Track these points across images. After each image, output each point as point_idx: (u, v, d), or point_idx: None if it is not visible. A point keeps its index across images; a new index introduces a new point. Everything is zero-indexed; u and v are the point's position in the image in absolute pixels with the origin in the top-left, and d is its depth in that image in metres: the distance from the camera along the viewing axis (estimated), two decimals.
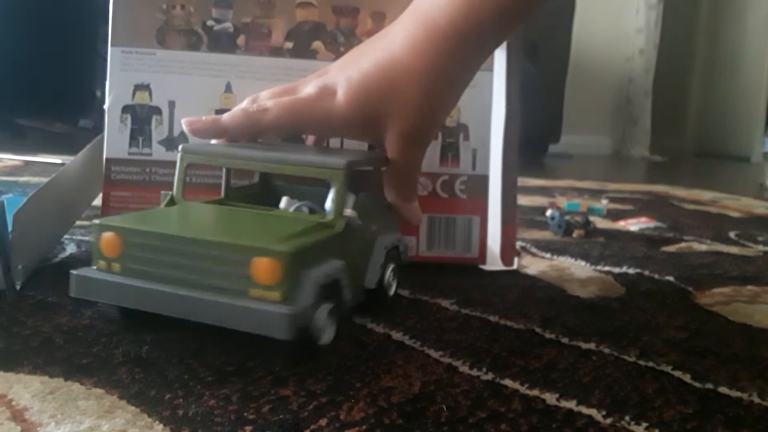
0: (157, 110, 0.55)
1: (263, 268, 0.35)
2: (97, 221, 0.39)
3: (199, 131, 0.47)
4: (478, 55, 0.47)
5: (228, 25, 0.56)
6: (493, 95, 0.59)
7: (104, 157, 0.56)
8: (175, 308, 0.37)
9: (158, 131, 0.56)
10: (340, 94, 0.45)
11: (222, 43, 0.56)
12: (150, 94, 0.55)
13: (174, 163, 0.45)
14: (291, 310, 0.35)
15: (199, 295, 0.36)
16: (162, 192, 0.45)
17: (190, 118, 0.47)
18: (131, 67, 0.55)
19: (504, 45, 0.57)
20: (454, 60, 0.45)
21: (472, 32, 0.44)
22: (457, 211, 0.60)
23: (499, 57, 0.59)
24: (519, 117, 0.59)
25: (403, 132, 0.45)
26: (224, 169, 0.48)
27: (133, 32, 0.55)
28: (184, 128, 0.47)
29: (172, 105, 0.55)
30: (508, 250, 0.61)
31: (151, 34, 0.55)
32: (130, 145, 0.56)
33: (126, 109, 0.55)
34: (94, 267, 0.39)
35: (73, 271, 0.39)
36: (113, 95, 0.55)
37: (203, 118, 0.47)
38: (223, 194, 0.48)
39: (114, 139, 0.56)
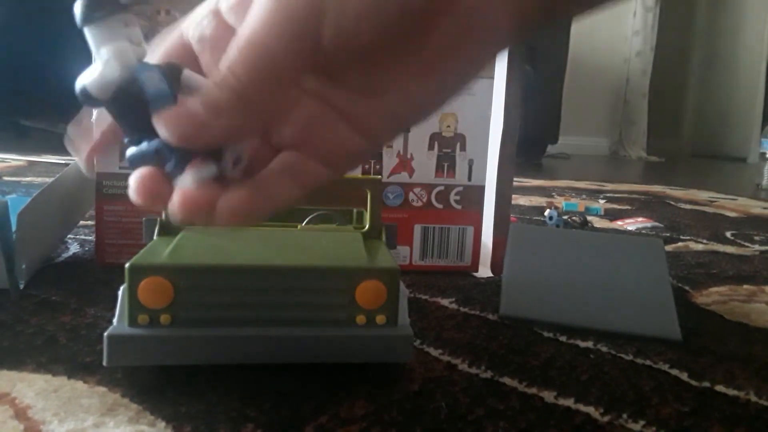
0: None
1: (371, 291, 0.33)
2: (127, 264, 0.31)
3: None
4: None
5: None
6: (492, 104, 0.58)
7: (95, 171, 0.54)
8: (261, 353, 0.33)
9: None
10: None
11: None
12: None
13: None
14: (409, 330, 0.34)
15: (299, 332, 0.33)
16: (144, 219, 0.38)
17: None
18: None
19: (506, 51, 0.57)
20: None
21: None
22: (452, 222, 0.59)
23: (500, 65, 0.57)
24: (517, 131, 0.58)
25: None
26: None
27: None
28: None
29: None
30: (498, 261, 0.60)
31: None
32: (121, 159, 0.54)
33: None
34: (126, 323, 0.32)
35: (109, 333, 0.31)
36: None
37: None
38: None
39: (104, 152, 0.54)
